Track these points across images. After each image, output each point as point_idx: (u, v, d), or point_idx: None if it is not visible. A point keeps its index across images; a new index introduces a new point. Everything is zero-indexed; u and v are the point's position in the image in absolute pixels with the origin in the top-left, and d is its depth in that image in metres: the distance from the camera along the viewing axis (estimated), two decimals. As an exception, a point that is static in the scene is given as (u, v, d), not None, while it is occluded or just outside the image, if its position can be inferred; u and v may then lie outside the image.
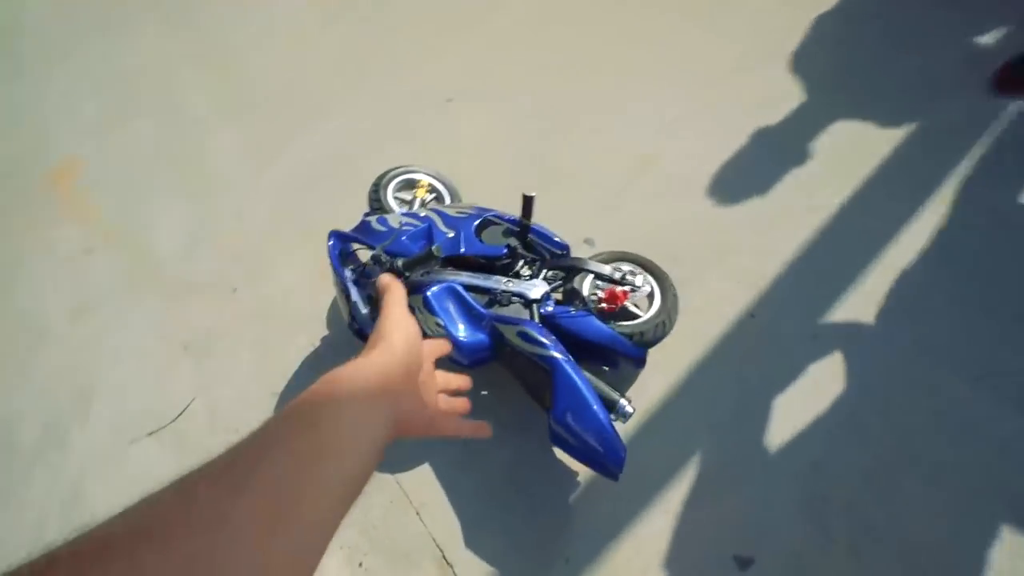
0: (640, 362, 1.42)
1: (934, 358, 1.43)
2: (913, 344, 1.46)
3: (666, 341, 1.49)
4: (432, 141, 2.39)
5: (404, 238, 1.50)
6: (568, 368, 1.23)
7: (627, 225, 1.89)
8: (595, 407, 1.20)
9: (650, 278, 1.55)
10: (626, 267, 1.56)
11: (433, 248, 1.35)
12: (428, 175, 1.91)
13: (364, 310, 1.44)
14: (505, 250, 1.47)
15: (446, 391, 0.59)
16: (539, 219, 1.78)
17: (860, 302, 1.56)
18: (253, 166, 2.62)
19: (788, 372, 1.49)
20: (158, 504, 0.27)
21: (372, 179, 1.84)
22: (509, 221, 1.57)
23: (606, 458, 1.19)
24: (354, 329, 1.50)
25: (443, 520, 1.49)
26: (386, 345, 0.43)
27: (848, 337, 1.51)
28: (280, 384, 1.84)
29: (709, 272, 1.71)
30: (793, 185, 1.80)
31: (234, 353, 1.99)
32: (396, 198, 1.85)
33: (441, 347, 0.60)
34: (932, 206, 1.67)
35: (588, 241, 1.88)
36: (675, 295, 1.51)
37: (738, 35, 2.31)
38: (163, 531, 0.25)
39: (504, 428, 1.55)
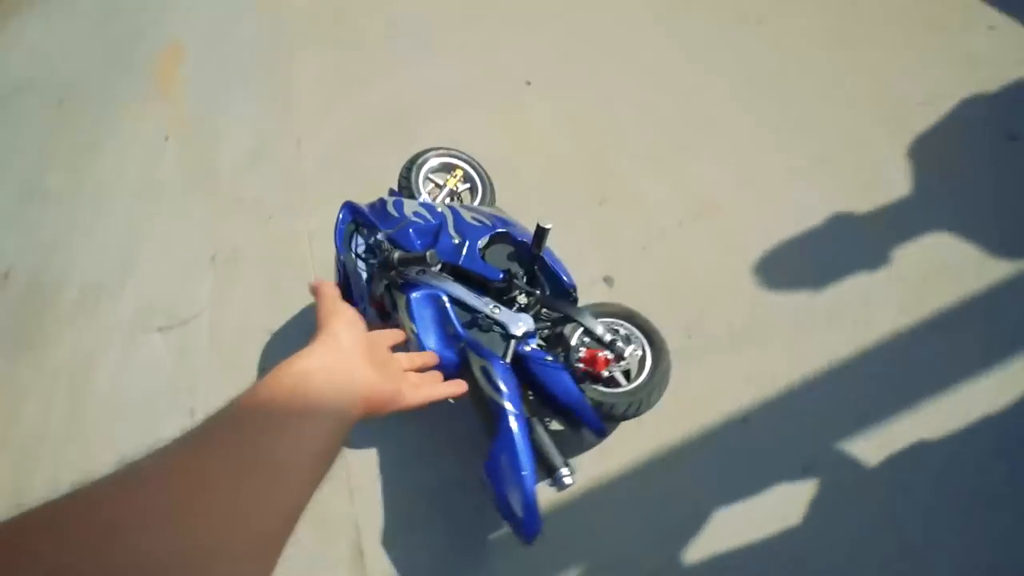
0: (600, 434, 1.33)
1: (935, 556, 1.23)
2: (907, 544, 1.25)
3: (644, 416, 1.37)
4: (496, 120, 2.28)
5: (411, 230, 1.45)
6: (514, 424, 1.17)
7: (656, 271, 1.73)
8: (525, 472, 1.14)
9: (647, 347, 1.42)
10: (625, 328, 1.43)
11: (428, 254, 1.30)
12: (467, 164, 1.83)
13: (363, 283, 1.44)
14: (502, 275, 1.39)
15: (411, 369, 0.58)
16: (567, 237, 1.69)
17: (873, 449, 1.34)
18: (327, 98, 2.64)
19: (762, 499, 1.33)
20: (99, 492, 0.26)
21: (425, 144, 1.80)
22: (521, 242, 1.47)
23: (521, 523, 1.14)
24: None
25: (371, 508, 1.52)
26: (327, 335, 0.43)
27: (844, 488, 1.32)
28: (278, 323, 1.91)
29: (722, 357, 1.55)
30: (857, 291, 1.55)
31: (250, 280, 2.08)
32: (429, 178, 1.79)
33: (395, 335, 0.59)
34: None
35: (607, 280, 1.75)
36: (666, 373, 1.38)
37: (875, 103, 1.93)
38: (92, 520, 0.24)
39: (457, 442, 1.53)
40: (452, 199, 1.80)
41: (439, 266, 1.39)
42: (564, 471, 1.20)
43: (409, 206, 1.53)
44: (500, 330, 1.35)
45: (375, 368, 0.45)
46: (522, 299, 1.43)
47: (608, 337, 1.33)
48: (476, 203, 1.81)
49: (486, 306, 1.36)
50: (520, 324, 1.34)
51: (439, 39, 2.72)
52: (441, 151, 1.82)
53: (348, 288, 1.54)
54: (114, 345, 2.04)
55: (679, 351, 1.49)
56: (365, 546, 1.47)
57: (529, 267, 1.45)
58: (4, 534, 0.22)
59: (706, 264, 1.72)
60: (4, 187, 2.74)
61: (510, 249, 1.49)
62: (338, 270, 1.53)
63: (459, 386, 0.59)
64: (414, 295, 1.36)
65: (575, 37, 2.47)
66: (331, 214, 2.11)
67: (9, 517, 0.23)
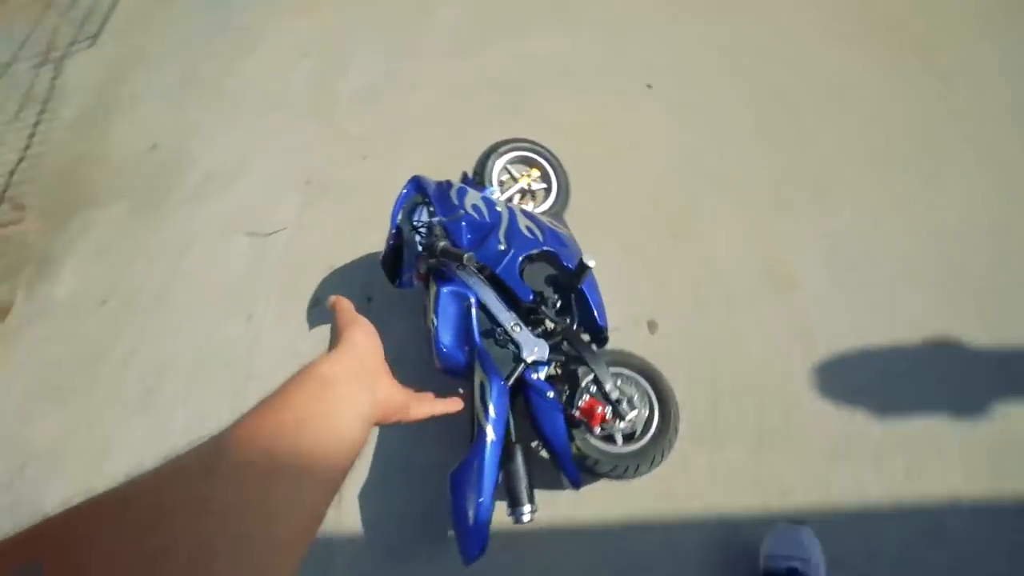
0: (574, 485, 1.30)
1: None
2: None
3: (629, 484, 1.33)
4: (600, 114, 2.17)
5: (464, 223, 1.46)
6: (488, 450, 1.18)
7: (706, 332, 1.61)
8: (483, 499, 1.16)
9: (656, 414, 1.35)
10: (639, 388, 1.36)
11: (466, 256, 1.31)
12: (549, 163, 1.77)
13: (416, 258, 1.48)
14: (532, 297, 1.37)
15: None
16: (625, 262, 1.62)
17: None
18: (452, 49, 2.65)
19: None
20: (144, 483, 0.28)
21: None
22: (565, 267, 1.43)
23: (464, 543, 1.18)
24: (385, 267, 1.58)
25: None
26: (348, 341, 0.46)
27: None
28: (341, 261, 2.05)
29: (737, 453, 1.42)
30: (922, 437, 1.33)
31: (332, 214, 2.23)
32: (507, 168, 1.77)
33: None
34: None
35: (651, 324, 1.65)
36: (665, 449, 1.31)
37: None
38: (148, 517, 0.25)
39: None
40: (522, 196, 1.77)
41: (477, 268, 1.40)
42: (525, 508, 1.22)
43: (471, 198, 1.53)
44: (514, 349, 1.35)
45: (391, 376, 0.48)
46: (548, 324, 1.41)
47: (615, 395, 1.28)
48: (547, 205, 1.77)
49: (508, 321, 1.35)
50: (535, 350, 1.33)
51: (578, 10, 2.59)
52: (525, 145, 1.78)
53: (397, 255, 1.60)
54: (210, 235, 2.31)
55: (695, 428, 1.40)
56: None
57: (565, 296, 1.41)
58: (69, 522, 0.24)
59: (763, 343, 1.56)
60: (171, 71, 3.11)
61: (552, 271, 1.45)
62: (389, 237, 1.58)
63: (456, 404, 0.61)
64: (444, 289, 1.39)
65: (721, 55, 2.24)
66: (418, 168, 2.19)
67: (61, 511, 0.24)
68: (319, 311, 1.94)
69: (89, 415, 1.94)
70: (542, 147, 1.80)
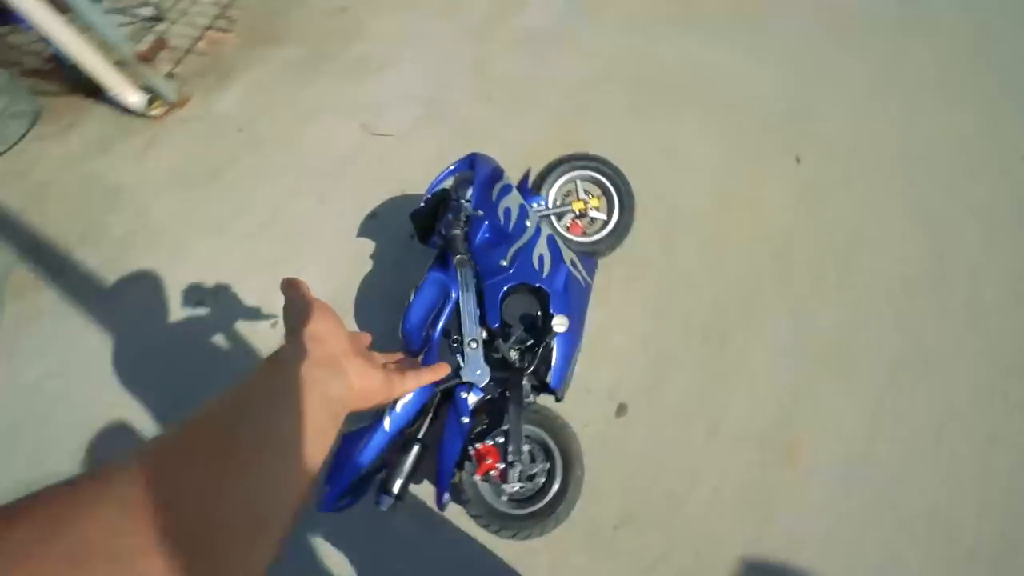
0: (438, 503, 1.33)
1: None
2: None
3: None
4: (724, 167, 1.89)
5: (487, 223, 1.44)
6: (375, 436, 1.25)
7: (664, 447, 1.47)
8: (348, 472, 1.25)
9: (551, 493, 1.31)
10: (549, 462, 1.32)
11: (459, 258, 1.31)
12: (619, 198, 1.62)
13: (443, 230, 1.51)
14: (496, 326, 1.34)
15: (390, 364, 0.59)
16: (640, 329, 1.52)
17: None
18: (629, 25, 2.42)
19: None
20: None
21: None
22: (551, 315, 1.36)
23: (323, 495, 1.29)
24: (415, 221, 1.62)
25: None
26: (303, 330, 0.43)
27: None
28: (410, 189, 2.15)
29: (621, 567, 1.34)
30: None
31: (434, 142, 2.30)
32: (573, 179, 1.66)
33: (362, 338, 0.57)
34: None
35: (622, 407, 1.54)
36: (541, 531, 1.28)
37: None
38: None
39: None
40: (577, 217, 1.66)
41: (473, 273, 1.39)
42: (387, 499, 1.29)
43: (510, 200, 1.48)
44: (461, 361, 1.36)
45: (362, 357, 0.45)
46: (512, 354, 1.39)
47: (511, 458, 1.25)
48: (595, 238, 1.65)
49: (469, 335, 1.35)
50: (476, 374, 1.32)
51: (774, 35, 2.18)
52: (603, 169, 1.64)
53: (432, 215, 1.62)
54: (337, 112, 2.53)
55: (591, 527, 1.34)
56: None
57: (533, 344, 1.36)
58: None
59: (718, 492, 1.39)
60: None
61: (535, 311, 1.40)
62: (425, 197, 1.60)
63: (443, 369, 0.59)
64: (435, 273, 1.41)
65: (901, 159, 1.77)
66: (517, 138, 2.14)
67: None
68: (372, 223, 2.08)
69: (191, 212, 2.38)
70: (620, 178, 1.65)
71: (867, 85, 1.94)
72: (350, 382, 0.42)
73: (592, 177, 1.65)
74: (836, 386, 1.44)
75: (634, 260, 1.74)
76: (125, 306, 2.16)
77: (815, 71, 2.02)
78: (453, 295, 1.39)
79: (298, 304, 0.46)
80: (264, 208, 2.28)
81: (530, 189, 1.63)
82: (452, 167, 1.58)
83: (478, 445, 1.31)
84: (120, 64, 2.67)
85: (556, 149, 2.04)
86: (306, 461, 0.34)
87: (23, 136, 3.13)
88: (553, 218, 1.61)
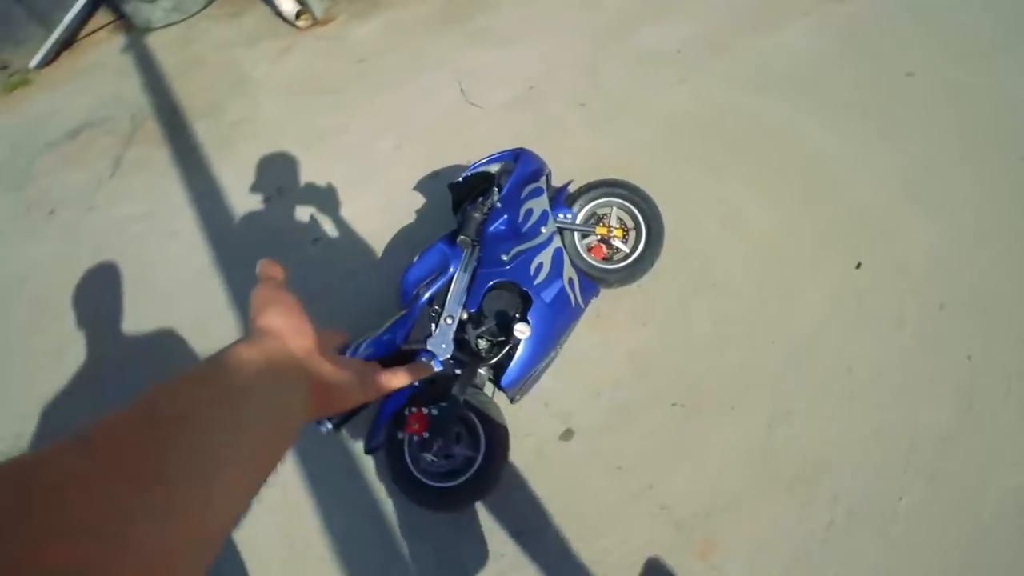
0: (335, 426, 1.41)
1: None
2: None
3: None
4: (778, 250, 1.79)
5: (505, 216, 1.49)
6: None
7: (599, 487, 1.47)
8: None
9: (474, 463, 1.39)
10: (470, 449, 1.38)
11: (463, 238, 1.40)
12: (648, 233, 1.61)
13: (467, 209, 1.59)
14: (472, 312, 1.41)
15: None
16: (602, 368, 1.53)
17: None
18: (746, 78, 2.31)
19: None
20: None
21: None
22: (526, 320, 1.40)
23: None
24: (452, 192, 1.70)
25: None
26: (261, 326, 0.39)
27: None
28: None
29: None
30: None
31: (513, 128, 2.36)
32: (610, 204, 1.66)
33: (335, 337, 0.51)
34: None
35: (568, 432, 1.55)
36: (455, 507, 1.36)
37: None
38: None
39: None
40: (601, 245, 1.66)
41: (475, 257, 1.45)
42: (327, 424, 1.40)
43: (535, 203, 1.52)
44: (432, 330, 1.44)
45: (329, 360, 0.41)
46: (482, 344, 1.45)
47: (431, 435, 1.33)
48: (614, 267, 1.65)
49: (447, 310, 1.43)
50: (441, 347, 1.40)
51: (877, 136, 1.98)
52: (646, 207, 1.63)
53: (469, 190, 1.69)
54: (445, 72, 2.67)
55: (488, 530, 1.40)
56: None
57: (503, 341, 1.41)
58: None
59: (602, 559, 1.37)
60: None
61: (514, 311, 1.44)
62: (465, 174, 1.66)
63: (426, 369, 0.56)
64: (442, 244, 1.50)
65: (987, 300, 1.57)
66: (587, 157, 2.14)
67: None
68: (430, 181, 2.20)
69: (293, 118, 2.64)
70: (656, 220, 1.62)
71: (972, 223, 1.71)
72: (310, 391, 0.38)
73: (629, 209, 1.64)
74: (775, 512, 1.35)
75: (645, 302, 1.71)
76: (213, 181, 2.47)
77: (922, 188, 1.81)
78: (451, 269, 1.47)
79: (262, 293, 0.41)
80: (352, 136, 2.48)
81: (564, 199, 1.65)
82: (498, 154, 1.64)
83: (414, 409, 1.40)
84: (286, -28, 2.97)
85: (615, 172, 2.03)
86: (246, 479, 0.30)
87: (198, 12, 3.59)
88: (577, 234, 1.63)
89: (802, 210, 1.85)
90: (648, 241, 1.63)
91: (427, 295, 1.46)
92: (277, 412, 0.34)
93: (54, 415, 1.83)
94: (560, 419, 1.57)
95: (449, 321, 1.41)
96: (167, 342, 1.95)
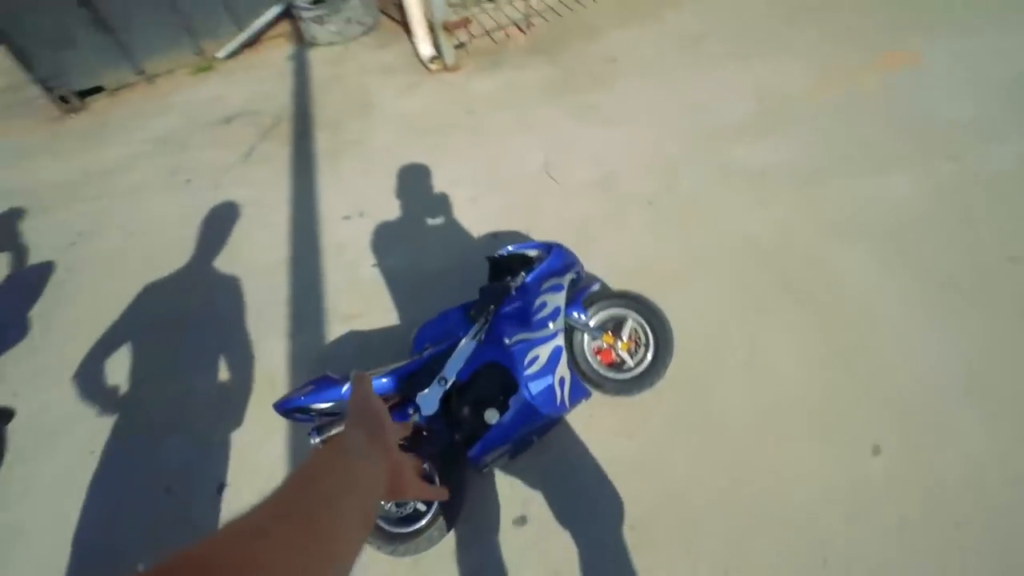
0: None
1: None
2: None
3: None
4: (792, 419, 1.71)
5: (519, 303, 1.60)
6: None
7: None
8: (326, 395, 1.58)
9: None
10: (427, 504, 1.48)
11: (472, 312, 1.54)
12: (656, 354, 1.63)
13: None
14: (462, 380, 1.52)
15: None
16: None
17: None
18: (807, 175, 2.23)
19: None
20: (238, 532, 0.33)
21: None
22: (503, 401, 1.49)
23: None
24: (491, 264, 1.84)
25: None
26: (364, 423, 0.50)
27: None
28: (532, 234, 2.37)
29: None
30: None
31: (602, 206, 2.47)
32: (626, 316, 1.70)
33: (403, 430, 0.61)
34: None
35: (521, 520, 1.59)
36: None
37: None
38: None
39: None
40: (610, 351, 1.69)
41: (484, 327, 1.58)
42: (316, 437, 1.57)
43: (551, 298, 1.61)
44: (424, 389, 1.56)
45: (406, 465, 0.52)
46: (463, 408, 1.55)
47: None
48: (607, 373, 1.68)
49: (445, 372, 1.54)
50: (427, 405, 1.52)
51: (961, 314, 1.80)
52: (661, 330, 1.65)
53: (500, 268, 1.82)
54: (538, 136, 2.86)
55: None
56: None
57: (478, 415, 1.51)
58: None
59: None
60: None
61: (496, 393, 1.53)
62: (503, 252, 1.80)
63: (443, 493, 0.64)
64: (461, 311, 1.66)
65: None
66: (638, 253, 2.18)
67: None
68: (489, 239, 2.37)
69: (395, 149, 2.97)
70: (667, 346, 1.63)
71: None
72: (390, 475, 0.48)
73: (643, 326, 1.67)
74: None
75: (640, 416, 1.70)
76: (312, 188, 2.84)
77: (986, 390, 1.61)
78: (460, 335, 1.60)
79: (363, 399, 0.53)
80: (438, 178, 2.74)
81: (584, 298, 1.72)
82: (536, 243, 1.77)
83: None
84: (431, 23, 3.36)
85: (658, 278, 2.06)
86: (356, 548, 0.39)
87: (355, 39, 4.14)
88: (586, 335, 1.68)
89: (836, 376, 1.76)
90: (653, 364, 1.64)
91: (431, 352, 1.60)
92: (376, 498, 0.45)
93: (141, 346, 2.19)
94: (519, 504, 1.61)
95: (443, 382, 1.54)
96: (228, 310, 2.26)
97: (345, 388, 1.56)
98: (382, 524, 1.51)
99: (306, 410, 1.60)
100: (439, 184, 2.71)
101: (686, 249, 2.20)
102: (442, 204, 2.59)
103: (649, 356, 1.66)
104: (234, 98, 3.67)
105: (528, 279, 1.67)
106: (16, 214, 2.97)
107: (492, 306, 1.59)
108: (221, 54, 4.11)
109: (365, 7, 4.08)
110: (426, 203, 2.61)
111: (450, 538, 1.55)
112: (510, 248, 1.81)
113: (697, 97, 2.96)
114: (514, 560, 1.52)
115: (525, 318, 1.58)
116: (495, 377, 1.56)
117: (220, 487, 1.76)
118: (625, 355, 1.68)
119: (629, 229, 2.32)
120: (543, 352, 1.54)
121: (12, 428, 1.98)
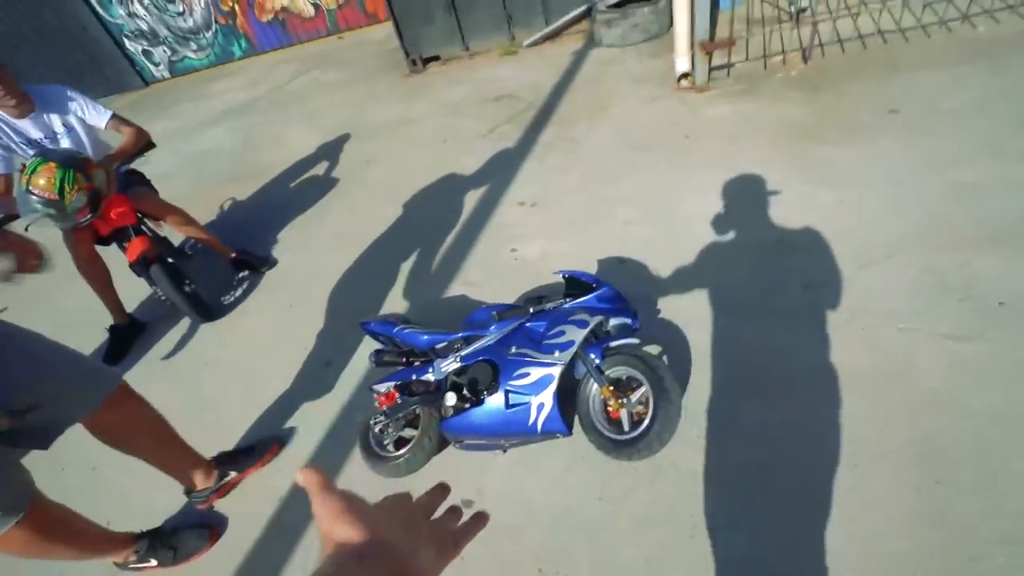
0: None
1: None
2: None
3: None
4: None
5: (543, 323, 1.73)
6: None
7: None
8: (408, 337, 2.08)
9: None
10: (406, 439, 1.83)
11: (496, 312, 1.77)
12: (652, 421, 1.55)
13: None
14: (465, 364, 1.76)
15: (431, 514, 0.52)
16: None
17: None
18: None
19: None
20: None
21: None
22: (476, 391, 1.68)
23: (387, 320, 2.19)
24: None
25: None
26: (340, 547, 0.39)
27: None
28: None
29: None
30: None
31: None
32: (641, 381, 1.62)
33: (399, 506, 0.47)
34: None
35: (467, 503, 1.78)
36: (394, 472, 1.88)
37: None
38: None
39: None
40: (616, 415, 1.65)
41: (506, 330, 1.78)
42: (376, 358, 2.05)
43: (569, 329, 1.67)
44: (451, 355, 1.86)
45: (420, 551, 0.42)
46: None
47: (387, 414, 1.82)
48: (605, 426, 1.66)
49: (465, 351, 1.82)
50: (440, 370, 1.83)
51: None
52: (665, 403, 1.53)
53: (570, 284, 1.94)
54: (727, 175, 2.63)
55: None
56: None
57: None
58: None
59: None
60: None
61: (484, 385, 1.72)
62: (568, 274, 1.92)
63: (484, 520, 0.53)
64: (506, 308, 1.90)
65: None
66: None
67: None
68: (613, 266, 2.43)
69: (602, 162, 3.18)
70: (668, 422, 1.52)
71: None
72: None
73: (649, 401, 1.54)
74: None
75: (627, 479, 1.61)
76: (515, 171, 3.32)
77: None
78: (491, 329, 1.83)
79: (328, 504, 0.41)
80: (615, 191, 2.86)
81: (607, 348, 1.66)
82: (594, 277, 1.83)
83: (393, 388, 1.89)
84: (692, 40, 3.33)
85: (732, 364, 1.82)
86: None
87: (632, 45, 4.36)
88: (594, 377, 1.66)
89: None
90: (640, 436, 1.55)
91: (467, 333, 1.89)
92: None
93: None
94: (472, 488, 1.79)
95: (458, 360, 1.82)
96: (399, 256, 2.98)
97: (397, 328, 2.01)
98: (379, 451, 1.91)
99: (377, 336, 2.12)
100: (609, 197, 2.82)
101: (770, 339, 1.82)
102: (597, 217, 2.72)
103: (640, 429, 1.57)
104: (512, 81, 4.42)
105: (565, 305, 1.76)
106: (343, 139, 4.39)
107: (519, 316, 1.77)
108: (527, 42, 4.92)
109: (655, 15, 4.23)
110: (588, 212, 2.78)
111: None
112: (573, 271, 1.90)
113: (983, 178, 2.21)
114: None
115: (538, 338, 1.71)
116: (486, 374, 1.76)
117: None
118: (622, 414, 1.63)
119: (748, 307, 2.03)
120: (535, 373, 1.65)
121: (285, 276, 3.13)
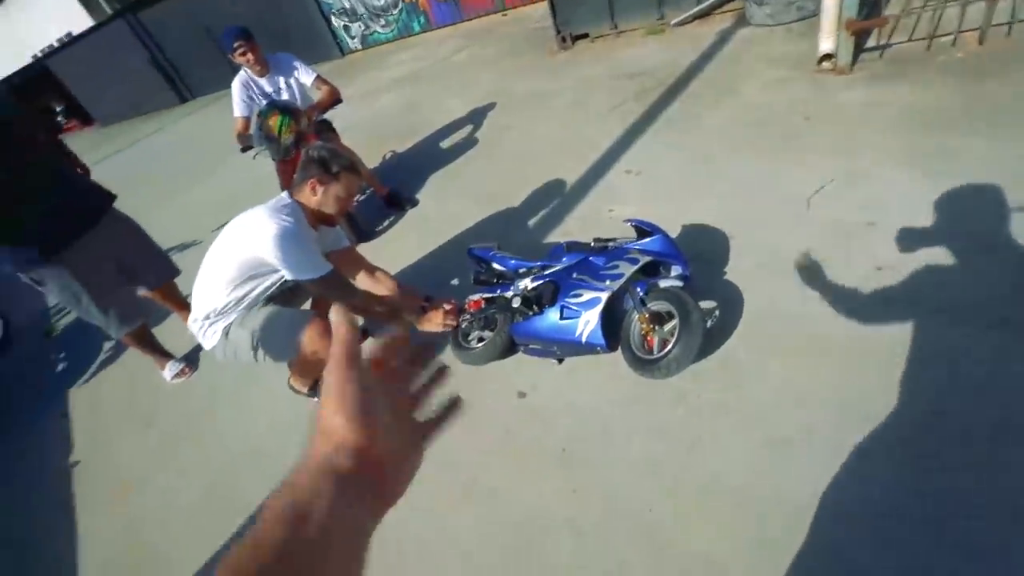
0: None
1: None
2: None
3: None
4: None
5: (603, 258, 2.11)
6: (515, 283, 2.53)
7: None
8: (500, 260, 2.64)
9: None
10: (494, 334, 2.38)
11: (567, 243, 2.20)
12: (677, 339, 1.87)
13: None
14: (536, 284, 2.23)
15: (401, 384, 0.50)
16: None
17: None
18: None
19: None
20: None
21: None
22: (538, 303, 2.13)
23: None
24: None
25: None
26: (325, 439, 0.40)
27: None
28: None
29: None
30: None
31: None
32: (668, 311, 1.92)
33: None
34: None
35: (521, 394, 2.25)
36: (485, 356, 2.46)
37: None
38: None
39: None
40: (651, 343, 1.98)
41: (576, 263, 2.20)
42: (473, 262, 2.64)
43: (622, 263, 2.04)
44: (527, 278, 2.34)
45: (377, 466, 0.40)
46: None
47: (470, 319, 2.36)
48: (639, 347, 2.00)
49: (540, 276, 2.28)
50: (519, 288, 2.32)
51: None
52: (691, 335, 1.84)
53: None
54: (835, 167, 2.66)
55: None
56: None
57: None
58: None
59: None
60: None
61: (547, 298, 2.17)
62: (640, 221, 2.25)
63: (455, 406, 0.51)
64: (580, 242, 2.33)
65: None
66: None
67: None
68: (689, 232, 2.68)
69: (709, 144, 3.37)
70: (679, 357, 1.82)
71: None
72: (373, 503, 0.40)
73: (676, 330, 1.84)
74: None
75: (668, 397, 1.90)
76: (630, 141, 3.63)
77: None
78: (564, 260, 2.27)
79: (352, 401, 0.40)
80: (712, 170, 3.05)
81: (651, 285, 1.97)
82: (655, 225, 2.15)
83: (478, 297, 2.41)
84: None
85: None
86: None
87: (785, 24, 4.31)
88: (635, 307, 1.99)
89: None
90: (660, 358, 1.87)
91: (544, 262, 2.35)
92: (351, 537, 0.38)
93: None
94: (528, 384, 2.25)
95: (532, 280, 2.30)
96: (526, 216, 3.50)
97: (492, 253, 2.54)
98: (466, 346, 2.47)
99: (479, 259, 2.67)
100: (711, 172, 3.01)
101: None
102: (694, 188, 2.94)
103: (667, 347, 1.89)
104: (649, 60, 4.65)
105: (623, 245, 2.12)
106: (489, 107, 5.02)
107: (585, 252, 2.18)
108: (674, 21, 5.07)
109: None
110: (687, 183, 3.01)
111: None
112: (639, 220, 2.24)
113: None
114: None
115: (596, 269, 2.10)
116: (550, 292, 2.20)
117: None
118: (656, 343, 1.96)
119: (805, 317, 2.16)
120: (587, 295, 2.04)
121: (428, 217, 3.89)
